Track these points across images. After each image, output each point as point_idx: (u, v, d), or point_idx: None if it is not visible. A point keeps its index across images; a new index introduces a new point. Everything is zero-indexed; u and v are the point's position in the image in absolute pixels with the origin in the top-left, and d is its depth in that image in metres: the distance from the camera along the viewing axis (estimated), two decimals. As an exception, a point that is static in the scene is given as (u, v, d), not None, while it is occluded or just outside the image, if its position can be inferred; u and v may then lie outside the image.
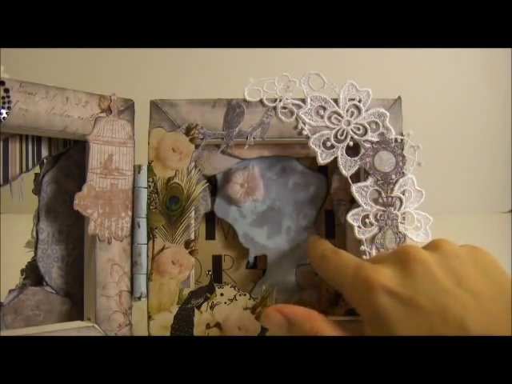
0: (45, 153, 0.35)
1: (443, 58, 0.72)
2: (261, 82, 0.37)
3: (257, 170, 0.39)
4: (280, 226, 0.40)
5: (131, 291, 0.36)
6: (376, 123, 0.37)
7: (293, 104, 0.37)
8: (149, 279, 0.36)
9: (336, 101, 0.37)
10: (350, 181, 0.37)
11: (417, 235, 0.36)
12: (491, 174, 0.76)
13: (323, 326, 0.29)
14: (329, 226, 0.40)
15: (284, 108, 0.37)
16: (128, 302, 0.36)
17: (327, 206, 0.40)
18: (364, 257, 0.36)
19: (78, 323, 0.35)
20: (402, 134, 0.37)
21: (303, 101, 0.37)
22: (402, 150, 0.37)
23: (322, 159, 0.37)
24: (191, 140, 0.36)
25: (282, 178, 0.40)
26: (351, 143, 0.36)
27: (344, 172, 0.36)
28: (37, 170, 0.36)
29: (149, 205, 0.36)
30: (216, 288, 0.37)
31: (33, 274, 0.36)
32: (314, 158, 0.37)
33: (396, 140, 0.37)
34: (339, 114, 0.37)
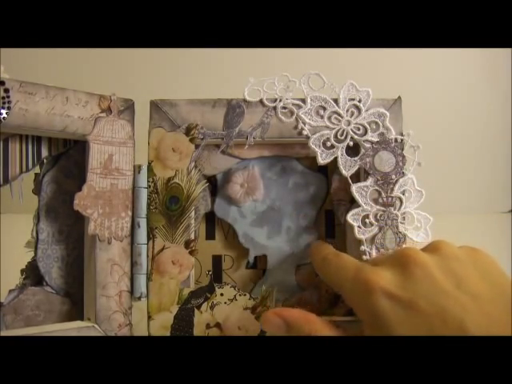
0: (45, 153, 0.35)
1: (443, 58, 0.72)
2: (261, 81, 0.37)
3: (257, 169, 0.39)
4: (280, 226, 0.40)
5: (131, 291, 0.36)
6: (376, 123, 0.37)
7: (293, 104, 0.37)
8: (149, 279, 0.36)
9: (336, 101, 0.37)
10: (350, 181, 0.37)
11: (417, 235, 0.36)
12: (491, 174, 0.76)
13: (321, 328, 0.30)
14: (329, 226, 0.40)
15: (284, 108, 0.37)
16: (128, 302, 0.36)
17: (327, 205, 0.40)
18: (364, 257, 0.36)
19: (78, 323, 0.35)
20: (402, 134, 0.37)
21: (303, 101, 0.37)
22: (402, 149, 0.37)
23: (322, 159, 0.37)
24: (191, 140, 0.36)
25: (282, 178, 0.40)
26: (351, 143, 0.36)
27: (344, 172, 0.36)
28: (37, 169, 0.36)
29: (149, 205, 0.36)
30: (216, 288, 0.37)
31: (33, 274, 0.36)
32: (314, 158, 0.37)
33: (396, 140, 0.37)
34: (339, 114, 0.37)
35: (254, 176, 0.39)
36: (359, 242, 0.36)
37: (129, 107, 0.37)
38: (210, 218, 0.40)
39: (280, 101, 0.37)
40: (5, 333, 0.33)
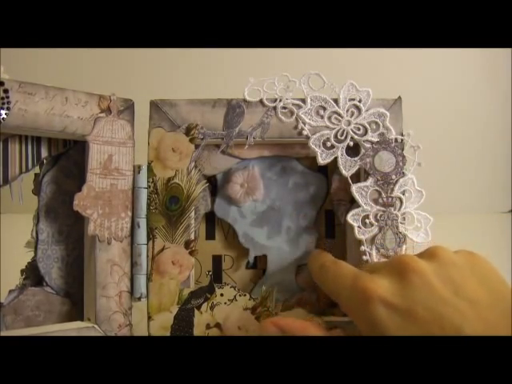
0: (44, 153, 0.35)
1: (443, 58, 0.72)
2: (261, 82, 0.37)
3: (257, 170, 0.39)
4: (280, 226, 0.40)
5: (131, 292, 0.36)
6: (376, 123, 0.37)
7: (293, 104, 0.37)
8: (149, 279, 0.36)
9: (336, 101, 0.37)
10: (350, 181, 0.36)
11: (417, 235, 0.36)
12: (491, 174, 0.76)
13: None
14: (329, 226, 0.40)
15: (284, 108, 0.37)
16: (128, 303, 0.36)
17: (327, 205, 0.40)
18: (364, 257, 0.36)
19: (78, 324, 0.35)
20: (402, 134, 0.37)
21: (303, 101, 0.37)
22: (402, 150, 0.37)
23: (322, 159, 0.36)
24: (191, 140, 0.36)
25: (282, 178, 0.40)
26: (351, 143, 0.36)
27: (344, 172, 0.36)
28: (36, 170, 0.35)
29: (149, 205, 0.36)
30: (216, 288, 0.37)
31: (33, 275, 0.36)
32: (314, 158, 0.37)
33: (396, 140, 0.37)
34: (339, 114, 0.37)
35: (253, 176, 0.39)
36: (359, 242, 0.36)
37: (128, 107, 0.37)
38: (210, 218, 0.40)
39: (280, 101, 0.37)
40: (5, 333, 0.33)
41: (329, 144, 0.36)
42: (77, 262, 0.37)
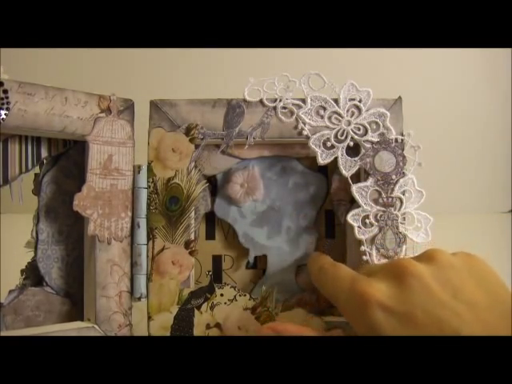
0: (44, 153, 0.35)
1: (443, 58, 0.72)
2: (261, 82, 0.37)
3: (257, 170, 0.39)
4: (280, 226, 0.40)
5: (131, 292, 0.36)
6: (376, 123, 0.37)
7: (293, 104, 0.37)
8: (149, 280, 0.36)
9: (336, 101, 0.37)
10: (350, 181, 0.36)
11: (417, 235, 0.36)
12: (491, 174, 0.76)
13: None
14: (329, 226, 0.40)
15: (284, 108, 0.37)
16: (128, 303, 0.36)
17: (327, 205, 0.40)
18: (364, 257, 0.36)
19: (77, 324, 0.35)
20: (402, 134, 0.37)
21: (303, 101, 0.37)
22: (403, 150, 0.37)
23: (322, 159, 0.36)
24: (191, 140, 0.36)
25: (282, 178, 0.40)
26: (351, 143, 0.36)
27: (344, 172, 0.36)
28: (36, 170, 0.35)
29: (149, 205, 0.36)
30: (216, 288, 0.37)
31: (33, 275, 0.36)
32: (314, 158, 0.37)
33: (396, 140, 0.37)
34: (339, 114, 0.37)
35: (253, 176, 0.39)
36: (359, 243, 0.36)
37: (128, 107, 0.37)
38: (210, 218, 0.40)
39: (280, 101, 0.37)
40: (5, 333, 0.33)
41: (329, 144, 0.36)
42: (77, 262, 0.37)
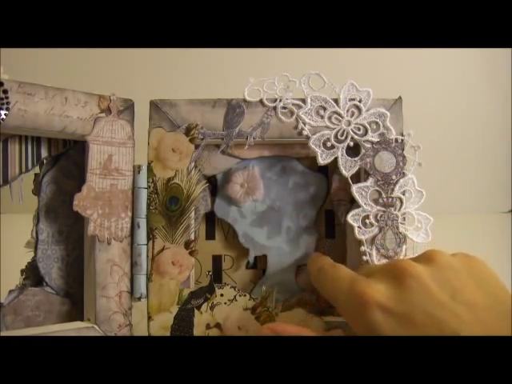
0: (44, 153, 0.35)
1: (443, 58, 0.72)
2: (261, 82, 0.37)
3: (257, 170, 0.39)
4: (280, 226, 0.40)
5: (131, 292, 0.36)
6: (376, 123, 0.37)
7: (293, 104, 0.37)
8: (149, 280, 0.36)
9: (336, 101, 0.37)
10: (350, 181, 0.36)
11: (417, 235, 0.36)
12: (491, 174, 0.76)
13: None
14: (329, 226, 0.40)
15: (284, 108, 0.37)
16: (128, 303, 0.36)
17: (327, 205, 0.40)
18: (364, 257, 0.36)
19: (77, 324, 0.35)
20: (402, 134, 0.37)
21: (303, 101, 0.37)
22: (403, 150, 0.37)
23: (323, 159, 0.36)
24: (191, 140, 0.36)
25: (282, 178, 0.40)
26: (351, 143, 0.36)
27: (344, 172, 0.36)
28: (36, 170, 0.35)
29: (149, 205, 0.36)
30: (216, 288, 0.37)
31: (33, 275, 0.36)
32: (314, 158, 0.37)
33: (396, 140, 0.37)
34: (339, 114, 0.37)
35: (253, 176, 0.39)
36: (359, 243, 0.36)
37: (128, 107, 0.37)
38: (210, 218, 0.40)
39: (280, 101, 0.37)
40: (5, 333, 0.33)
41: (329, 144, 0.36)
42: (77, 262, 0.37)
